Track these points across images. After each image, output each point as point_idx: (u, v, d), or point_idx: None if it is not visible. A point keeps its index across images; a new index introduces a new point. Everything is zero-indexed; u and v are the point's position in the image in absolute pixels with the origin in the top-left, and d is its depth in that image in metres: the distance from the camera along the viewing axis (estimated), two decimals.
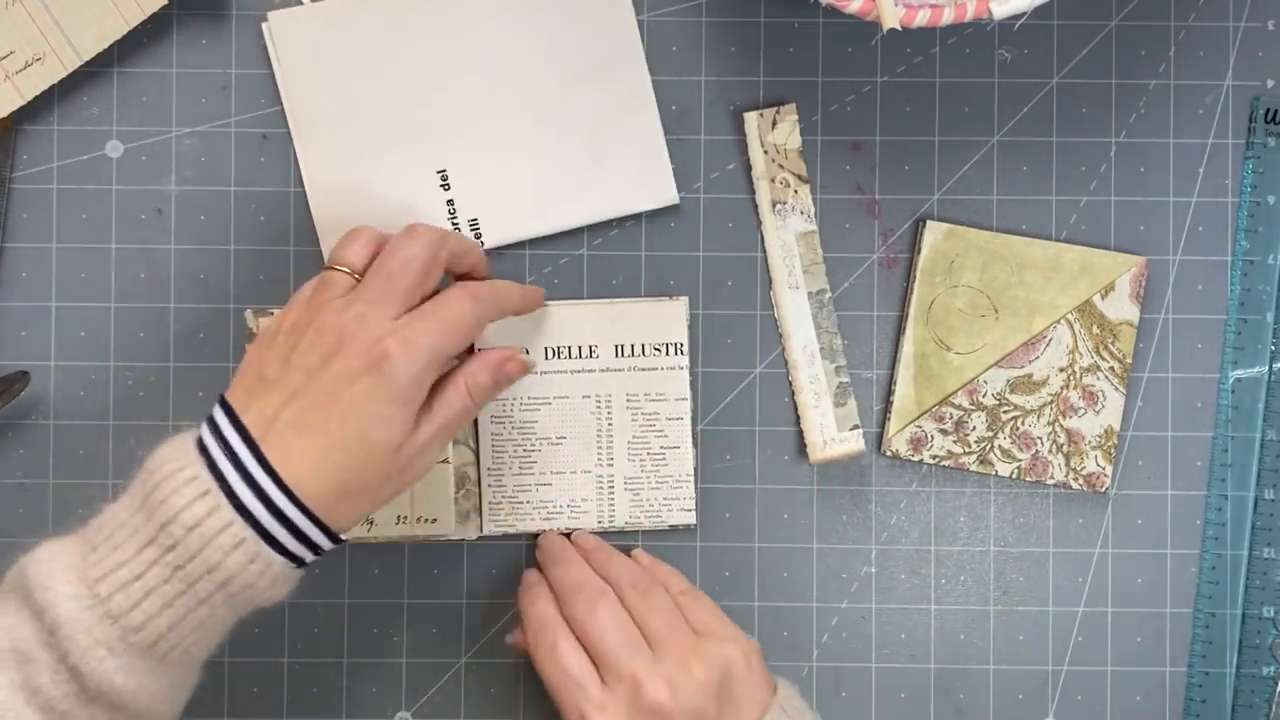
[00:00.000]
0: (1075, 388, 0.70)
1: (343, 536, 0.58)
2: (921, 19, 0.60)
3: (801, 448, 0.71)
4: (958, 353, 0.70)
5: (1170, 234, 0.72)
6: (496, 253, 0.71)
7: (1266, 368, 0.71)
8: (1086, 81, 0.71)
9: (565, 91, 0.70)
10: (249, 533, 0.54)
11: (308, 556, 0.57)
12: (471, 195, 0.70)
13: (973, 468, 0.70)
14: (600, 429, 0.66)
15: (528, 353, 0.69)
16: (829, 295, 0.71)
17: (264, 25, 0.70)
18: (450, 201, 0.70)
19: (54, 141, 0.71)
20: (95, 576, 0.54)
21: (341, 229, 0.70)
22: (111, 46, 0.69)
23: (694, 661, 0.61)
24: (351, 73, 0.70)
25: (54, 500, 0.70)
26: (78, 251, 0.71)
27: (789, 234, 0.71)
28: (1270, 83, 0.72)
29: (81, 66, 0.69)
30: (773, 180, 0.71)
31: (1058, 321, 0.70)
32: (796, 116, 0.71)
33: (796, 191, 0.71)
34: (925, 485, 0.71)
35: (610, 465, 0.67)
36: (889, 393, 0.71)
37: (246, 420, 0.56)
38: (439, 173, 0.70)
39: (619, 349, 0.67)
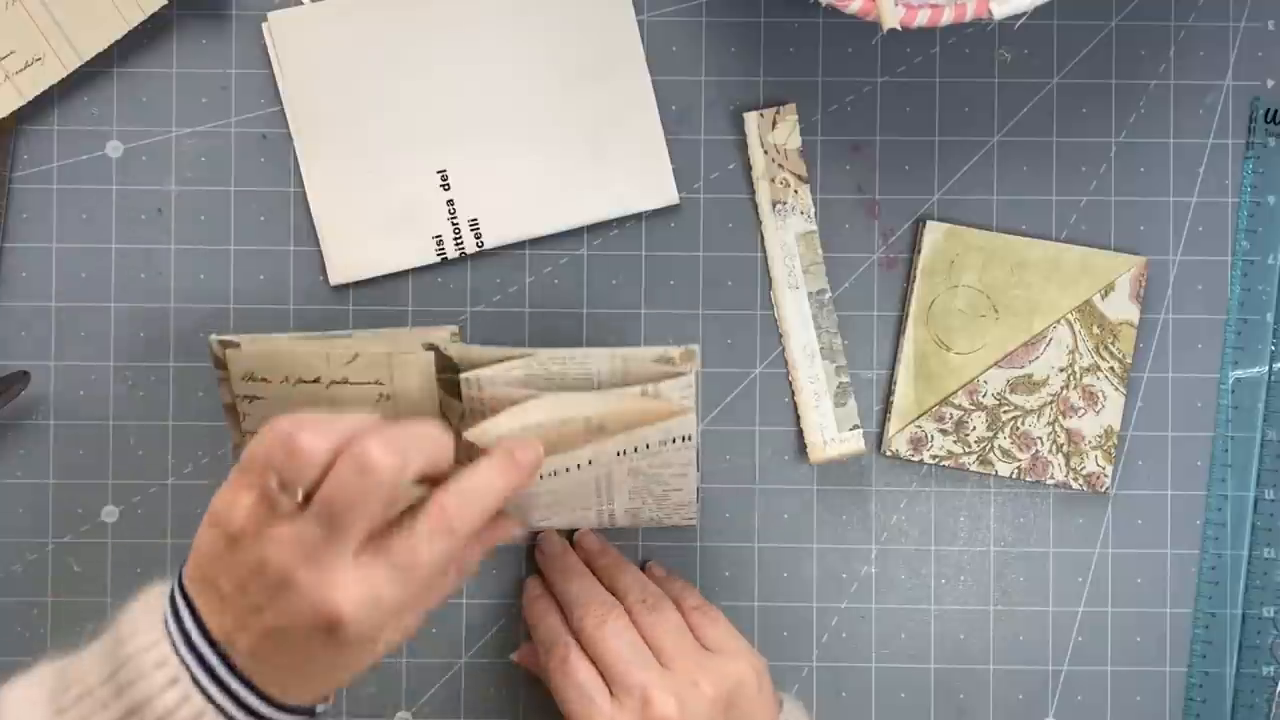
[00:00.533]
0: (1075, 388, 0.70)
1: (318, 710, 0.56)
2: (921, 19, 0.60)
3: (801, 448, 0.71)
4: (958, 353, 0.70)
5: (1170, 234, 0.72)
6: (496, 253, 0.71)
7: (1266, 368, 0.71)
8: (1086, 81, 0.71)
9: (565, 91, 0.70)
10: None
11: None
12: (471, 195, 0.70)
13: (973, 468, 0.70)
14: (600, 491, 0.64)
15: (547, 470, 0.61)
16: (829, 295, 0.71)
17: (264, 25, 0.70)
18: (450, 201, 0.70)
19: (54, 141, 0.71)
20: None
21: (341, 229, 0.70)
22: (111, 46, 0.69)
23: (702, 678, 0.61)
24: (351, 73, 0.70)
25: (54, 500, 0.70)
26: (78, 251, 0.71)
27: (789, 234, 0.71)
28: (1270, 83, 0.72)
29: (81, 66, 0.69)
30: (773, 180, 0.71)
31: (1058, 321, 0.70)
32: (796, 116, 0.71)
33: (796, 191, 0.71)
34: (925, 485, 0.71)
35: (611, 503, 0.65)
36: (889, 393, 0.71)
37: (209, 625, 0.52)
38: (439, 173, 0.70)
39: (624, 452, 0.61)
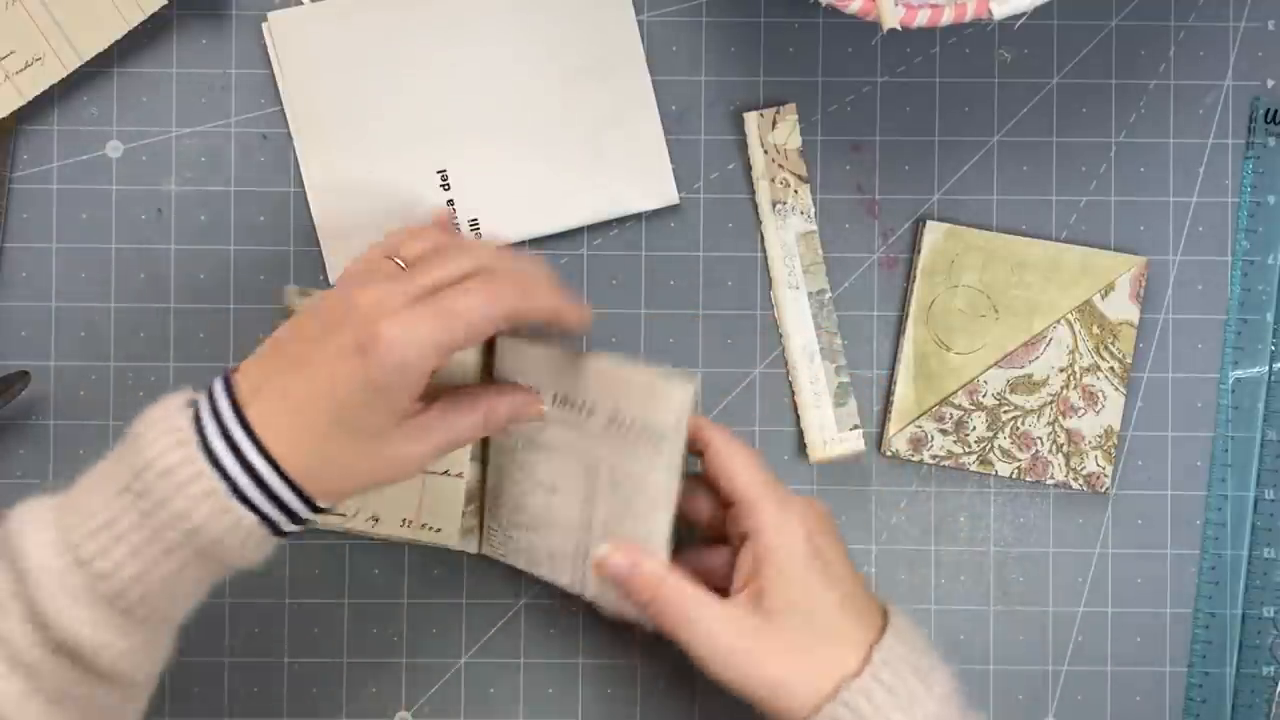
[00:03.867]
0: (1075, 388, 0.70)
1: (321, 505, 0.56)
2: (921, 19, 0.60)
3: (801, 448, 0.71)
4: (958, 353, 0.70)
5: (1170, 234, 0.72)
6: None
7: (1266, 368, 0.71)
8: (1086, 81, 0.71)
9: (565, 91, 0.70)
10: (221, 484, 0.53)
11: (283, 522, 0.55)
12: (471, 195, 0.70)
13: (973, 468, 0.70)
14: (587, 495, 0.64)
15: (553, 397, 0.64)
16: (829, 295, 0.71)
17: (264, 25, 0.70)
18: (450, 201, 0.70)
19: (54, 141, 0.71)
20: (69, 523, 0.54)
21: (341, 229, 0.70)
22: (111, 46, 0.69)
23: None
24: (351, 73, 0.70)
25: None
26: (78, 251, 0.71)
27: (789, 234, 0.71)
28: (1270, 83, 0.72)
29: (81, 66, 0.69)
30: (773, 180, 0.71)
31: (1058, 321, 0.70)
32: (796, 116, 0.71)
33: (796, 191, 0.71)
34: (925, 485, 0.71)
35: (589, 531, 0.64)
36: (889, 393, 0.71)
37: (241, 381, 0.55)
38: (439, 173, 0.70)
39: (611, 420, 0.62)
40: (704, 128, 0.71)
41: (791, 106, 0.71)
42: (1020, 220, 0.71)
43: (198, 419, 0.54)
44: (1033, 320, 0.70)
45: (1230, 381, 0.71)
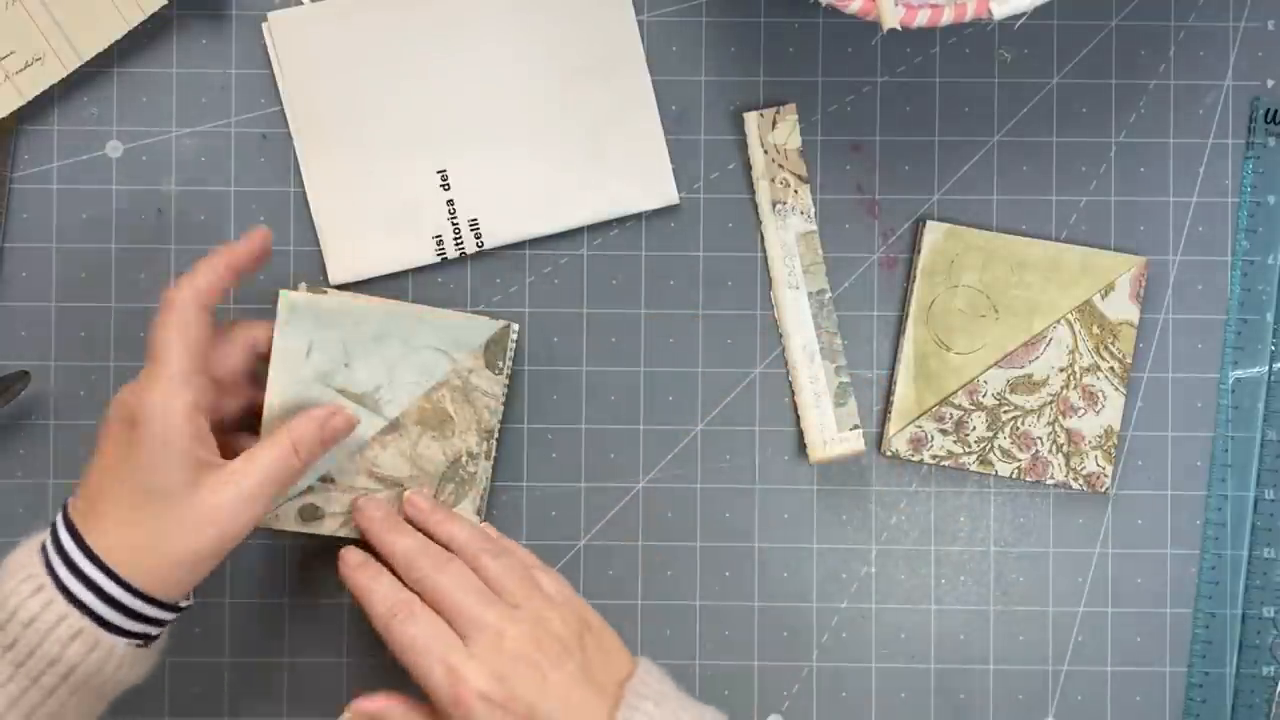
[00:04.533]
0: (1075, 388, 0.70)
1: (181, 605, 0.59)
2: (921, 19, 0.60)
3: (801, 448, 0.71)
4: (958, 353, 0.70)
5: (1170, 234, 0.72)
6: (496, 253, 0.71)
7: (1266, 368, 0.71)
8: (1086, 81, 0.71)
9: (565, 91, 0.70)
10: (85, 622, 0.55)
11: (151, 632, 0.58)
12: (471, 195, 0.70)
13: (973, 468, 0.70)
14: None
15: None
16: (829, 295, 0.71)
17: (264, 25, 0.70)
18: (450, 201, 0.70)
19: (54, 141, 0.71)
20: None
21: (341, 229, 0.70)
22: (111, 46, 0.69)
23: (553, 615, 0.61)
24: (351, 73, 0.70)
25: (54, 500, 0.70)
26: (78, 251, 0.71)
27: (789, 234, 0.71)
28: (1270, 83, 0.72)
29: (81, 66, 0.69)
30: (773, 180, 0.71)
31: (1058, 321, 0.70)
32: (796, 116, 0.71)
33: (796, 191, 0.71)
34: (925, 485, 0.71)
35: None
36: (889, 393, 0.71)
37: (75, 504, 0.58)
38: (439, 173, 0.70)
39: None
40: (704, 128, 0.71)
41: (791, 106, 0.71)
42: (1020, 220, 0.71)
43: (47, 559, 0.56)
44: (1033, 320, 0.70)
45: (1230, 381, 0.71)
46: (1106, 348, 0.70)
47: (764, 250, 0.71)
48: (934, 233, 0.70)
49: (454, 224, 0.70)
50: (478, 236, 0.70)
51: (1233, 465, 0.71)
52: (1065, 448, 0.70)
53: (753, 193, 0.71)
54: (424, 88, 0.70)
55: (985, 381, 0.70)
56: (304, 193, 0.71)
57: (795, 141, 0.71)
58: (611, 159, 0.70)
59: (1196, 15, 0.71)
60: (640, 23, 0.71)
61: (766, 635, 0.71)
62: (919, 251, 0.70)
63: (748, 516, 0.71)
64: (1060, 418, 0.70)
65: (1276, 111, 0.71)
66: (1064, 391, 0.70)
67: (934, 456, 0.70)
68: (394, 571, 0.63)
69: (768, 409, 0.71)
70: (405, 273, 0.71)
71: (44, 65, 0.69)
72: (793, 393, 0.71)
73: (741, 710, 0.71)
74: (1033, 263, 0.70)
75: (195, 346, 0.59)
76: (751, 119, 0.71)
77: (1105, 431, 0.70)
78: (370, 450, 0.67)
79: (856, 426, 0.70)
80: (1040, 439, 0.70)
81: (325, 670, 0.71)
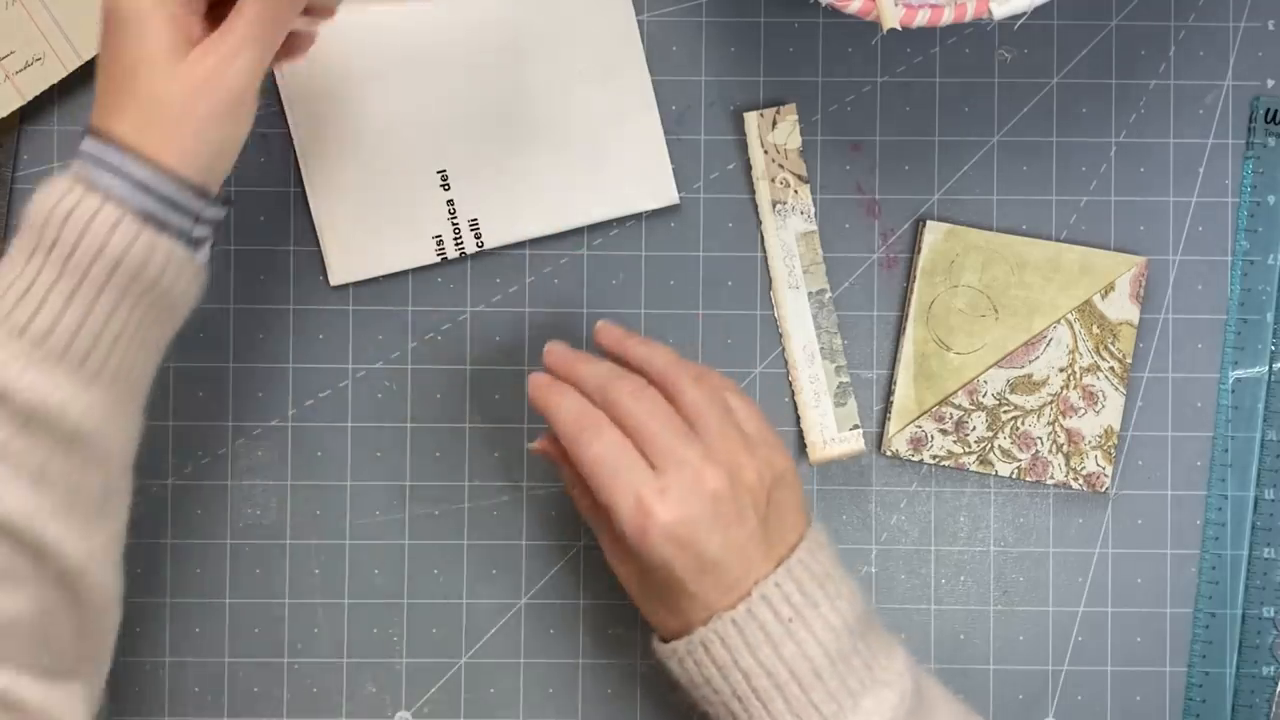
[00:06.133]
0: (1075, 388, 0.70)
1: (212, 194, 0.57)
2: (921, 19, 0.60)
3: (801, 448, 0.71)
4: (958, 353, 0.70)
5: (1170, 234, 0.72)
6: (496, 253, 0.71)
7: (1266, 368, 0.71)
8: (1086, 81, 0.71)
9: (565, 91, 0.70)
10: (121, 211, 0.54)
11: (188, 226, 0.56)
12: (471, 195, 0.70)
13: (973, 468, 0.70)
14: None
15: None
16: (829, 295, 0.71)
17: None
18: (450, 201, 0.70)
19: (54, 142, 0.71)
20: None
21: (342, 229, 0.70)
22: None
23: (747, 464, 0.58)
24: (351, 73, 0.70)
25: None
26: None
27: (789, 234, 0.71)
28: (1270, 83, 0.72)
29: (82, 66, 0.69)
30: (773, 180, 0.71)
31: (1058, 321, 0.70)
32: (796, 116, 0.71)
33: (796, 191, 0.71)
34: (925, 485, 0.71)
35: None
36: (889, 393, 0.71)
37: (91, 126, 0.57)
38: (439, 173, 0.70)
39: None
40: (704, 128, 0.71)
41: (791, 106, 0.71)
42: (1020, 220, 0.71)
43: (74, 171, 0.55)
44: (1033, 320, 0.70)
45: (1230, 381, 0.71)
46: (1106, 347, 0.70)
47: (764, 250, 0.71)
48: (934, 233, 0.70)
49: (454, 224, 0.70)
50: (478, 236, 0.70)
51: (1233, 465, 0.71)
52: (1065, 448, 0.70)
53: (753, 193, 0.71)
54: (424, 88, 0.70)
55: (985, 381, 0.70)
56: (304, 193, 0.71)
57: (795, 141, 0.71)
58: (611, 159, 0.70)
59: (1196, 15, 0.71)
60: (640, 23, 0.71)
61: None
62: (919, 251, 0.70)
63: None
64: (1060, 417, 0.70)
65: (1276, 111, 0.71)
66: (1064, 391, 0.70)
67: (934, 456, 0.70)
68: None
69: (768, 409, 0.71)
70: (405, 273, 0.71)
71: (44, 65, 0.69)
72: (793, 393, 0.71)
73: None
74: (1033, 263, 0.70)
75: None
76: (751, 119, 0.71)
77: (1105, 431, 0.70)
78: None
79: (856, 426, 0.70)
80: (1040, 439, 0.70)
81: (325, 670, 0.71)
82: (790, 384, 0.71)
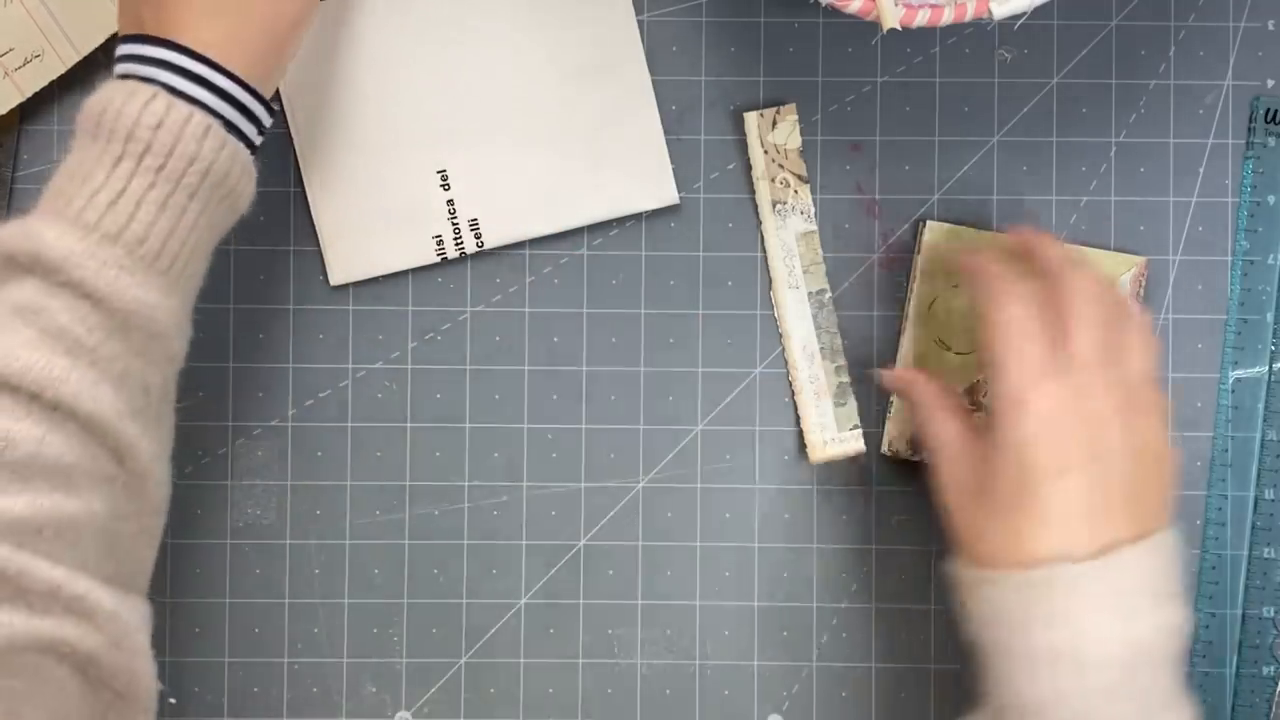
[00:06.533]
0: None
1: (266, 98, 0.60)
2: (921, 19, 0.60)
3: (801, 448, 0.71)
4: (958, 352, 0.70)
5: (1170, 234, 0.72)
6: (496, 253, 0.71)
7: (1266, 368, 0.71)
8: (1086, 81, 0.71)
9: (565, 91, 0.70)
10: (210, 118, 0.56)
11: (253, 134, 0.59)
12: (471, 195, 0.70)
13: None
14: None
15: None
16: (829, 295, 0.71)
17: None
18: (450, 201, 0.70)
19: (54, 141, 0.71)
20: (76, 211, 0.54)
21: (342, 229, 0.70)
22: (112, 45, 0.69)
23: (1157, 425, 0.59)
24: (351, 73, 0.70)
25: None
26: None
27: (789, 234, 0.71)
28: (1270, 83, 0.72)
29: (81, 66, 0.69)
30: (773, 180, 0.71)
31: None
32: (796, 116, 0.71)
33: (796, 191, 0.71)
34: (925, 485, 0.71)
35: None
36: (889, 393, 0.71)
37: (152, 24, 0.57)
38: (439, 173, 0.70)
39: None
40: (704, 128, 0.71)
41: (791, 106, 0.71)
42: (1020, 220, 0.71)
43: (141, 74, 0.56)
44: None
45: (1230, 381, 0.71)
46: None
47: (764, 250, 0.71)
48: (934, 232, 0.70)
49: (454, 224, 0.70)
50: (478, 236, 0.70)
51: (1233, 465, 0.71)
52: None
53: (753, 193, 0.71)
54: (424, 87, 0.70)
55: (986, 383, 0.70)
56: (304, 193, 0.71)
57: (795, 141, 0.71)
58: (611, 159, 0.70)
59: (1196, 15, 0.71)
60: (640, 23, 0.70)
61: (766, 635, 0.71)
62: (919, 251, 0.70)
63: (748, 516, 0.71)
64: None
65: (1276, 111, 0.71)
66: None
67: None
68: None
69: (768, 409, 0.71)
70: (405, 273, 0.71)
71: (43, 62, 0.69)
72: (793, 393, 0.71)
73: (741, 710, 0.71)
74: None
75: None
76: (751, 119, 0.71)
77: None
78: None
79: (856, 426, 0.70)
80: None
81: (325, 670, 0.71)
82: (790, 384, 0.71)
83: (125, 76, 0.57)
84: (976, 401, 0.70)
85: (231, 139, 0.57)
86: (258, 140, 0.60)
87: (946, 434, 0.62)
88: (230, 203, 0.59)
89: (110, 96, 0.56)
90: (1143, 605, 0.56)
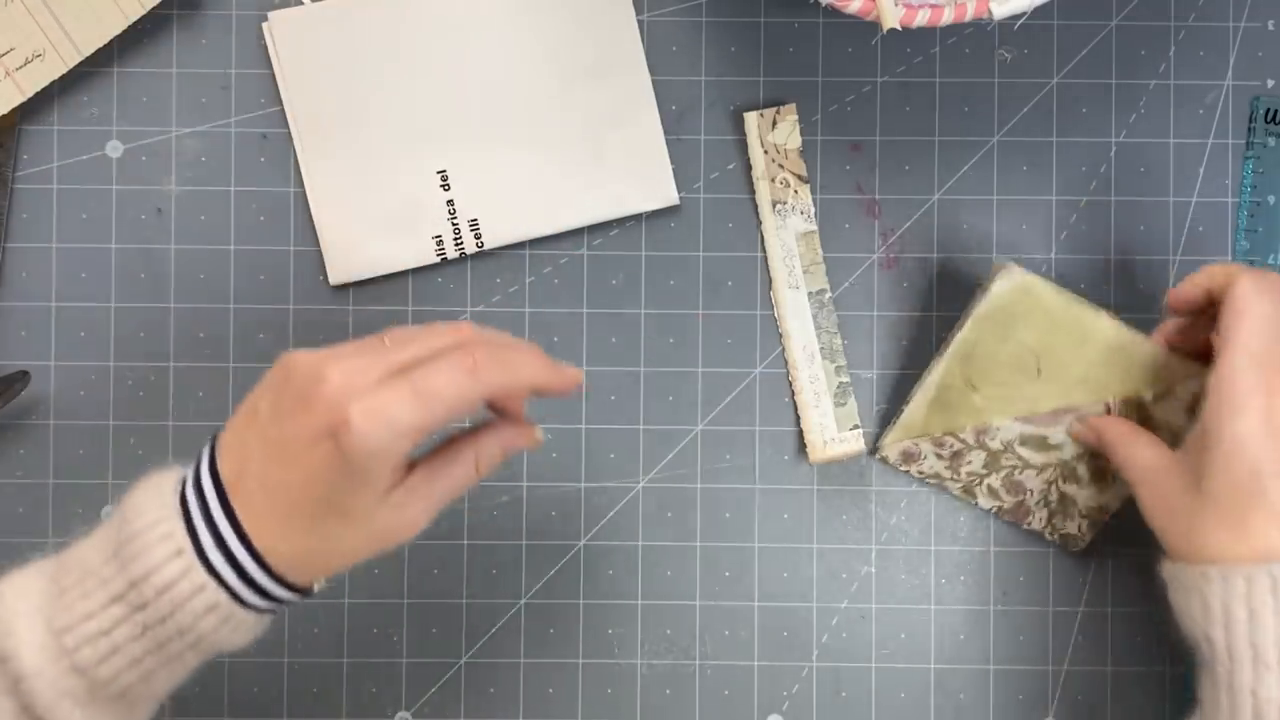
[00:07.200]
0: (1089, 462, 0.68)
1: (315, 588, 0.56)
2: (921, 19, 0.60)
3: (801, 448, 0.71)
4: (983, 396, 0.68)
5: (1170, 234, 0.72)
6: (496, 253, 0.71)
7: None
8: (1086, 81, 0.71)
9: (565, 91, 0.70)
10: (222, 595, 0.52)
11: (278, 610, 0.56)
12: (471, 195, 0.70)
13: (955, 493, 0.70)
14: None
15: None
16: (829, 295, 0.71)
17: (264, 25, 0.70)
18: (450, 201, 0.70)
19: (54, 141, 0.71)
20: (62, 626, 0.52)
21: (342, 229, 0.70)
22: (111, 46, 0.69)
23: None
24: (351, 73, 0.70)
25: (54, 500, 0.70)
26: (78, 251, 0.71)
27: (789, 234, 0.71)
28: (1270, 83, 0.72)
29: (82, 66, 0.69)
30: (773, 180, 0.71)
31: (1097, 403, 0.67)
32: (796, 116, 0.71)
33: (796, 191, 0.71)
34: (925, 485, 0.71)
35: None
36: (897, 398, 0.71)
37: (224, 464, 0.53)
38: (439, 173, 0.70)
39: None
40: (704, 128, 0.71)
41: (791, 106, 0.71)
42: (1020, 220, 0.71)
43: (188, 518, 0.52)
44: (1073, 392, 0.67)
45: None
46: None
47: (764, 250, 0.71)
48: (1006, 280, 0.65)
49: (454, 224, 0.70)
50: (478, 236, 0.70)
51: None
52: (1053, 506, 0.69)
53: (753, 193, 0.71)
54: (424, 88, 0.70)
55: (998, 427, 0.68)
56: (304, 193, 0.71)
57: (795, 141, 0.71)
58: (611, 159, 0.70)
59: (1196, 15, 0.71)
60: (640, 23, 0.71)
61: (766, 635, 0.71)
62: (984, 292, 0.66)
63: (748, 516, 0.71)
64: (1060, 481, 0.68)
65: (1276, 111, 0.71)
66: (1075, 462, 0.68)
67: (920, 473, 0.69)
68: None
69: (768, 409, 0.71)
70: (405, 273, 0.71)
71: (44, 61, 0.69)
72: (793, 393, 0.71)
73: (741, 710, 0.71)
74: (1099, 341, 0.66)
75: (454, 417, 0.52)
76: (751, 119, 0.71)
77: (1100, 507, 0.69)
78: None
79: (856, 426, 0.70)
80: (1032, 490, 0.69)
81: (325, 670, 0.71)
82: (790, 384, 0.71)
83: (185, 493, 0.53)
84: (981, 442, 0.68)
85: (240, 614, 0.53)
86: (277, 611, 0.56)
87: (1144, 460, 0.62)
88: (213, 650, 0.55)
89: (149, 524, 0.52)
90: None
